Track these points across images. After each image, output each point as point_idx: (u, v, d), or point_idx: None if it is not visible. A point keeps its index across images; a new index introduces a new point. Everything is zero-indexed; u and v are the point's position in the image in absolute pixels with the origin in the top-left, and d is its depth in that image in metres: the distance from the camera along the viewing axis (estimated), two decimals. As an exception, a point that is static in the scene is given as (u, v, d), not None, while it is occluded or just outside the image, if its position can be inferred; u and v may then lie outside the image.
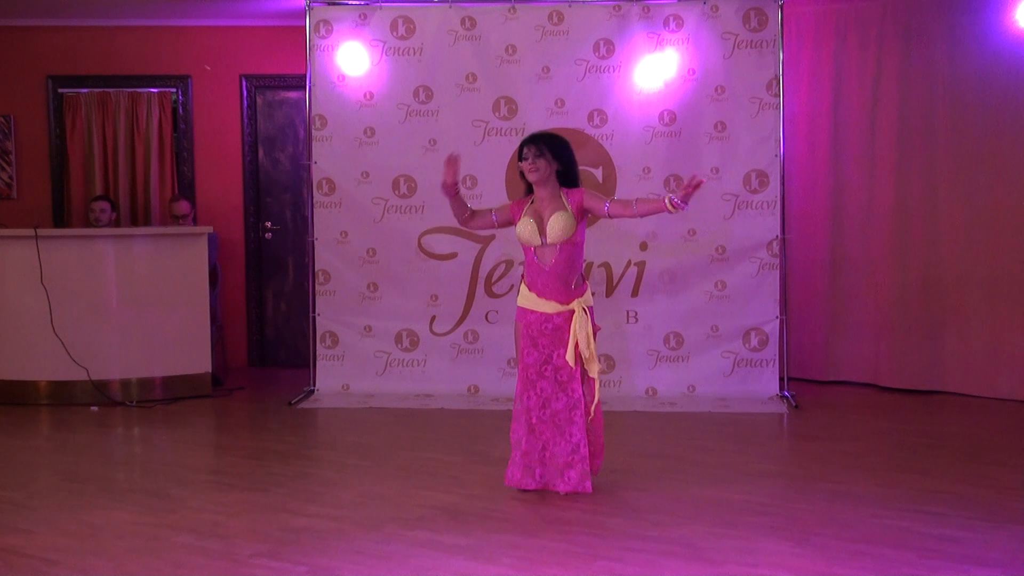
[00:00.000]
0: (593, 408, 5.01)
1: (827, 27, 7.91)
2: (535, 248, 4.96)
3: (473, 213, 5.18)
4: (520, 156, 5.02)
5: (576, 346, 4.92)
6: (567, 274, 4.95)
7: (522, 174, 5.02)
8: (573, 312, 4.94)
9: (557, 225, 4.89)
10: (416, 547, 4.28)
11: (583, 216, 4.99)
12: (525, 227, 4.95)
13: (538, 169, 4.94)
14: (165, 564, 4.12)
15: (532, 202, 5.03)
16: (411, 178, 7.62)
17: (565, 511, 4.77)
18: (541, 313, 4.97)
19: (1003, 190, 7.35)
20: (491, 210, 5.18)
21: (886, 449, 6.08)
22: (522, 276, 5.11)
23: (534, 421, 4.98)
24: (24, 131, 8.91)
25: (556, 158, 4.97)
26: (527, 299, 5.02)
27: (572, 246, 4.94)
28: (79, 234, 7.72)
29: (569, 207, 4.93)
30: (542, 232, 4.92)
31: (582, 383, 4.99)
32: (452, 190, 5.05)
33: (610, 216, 5.00)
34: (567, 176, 5.02)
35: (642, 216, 5.05)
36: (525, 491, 5.02)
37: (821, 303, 8.07)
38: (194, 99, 8.93)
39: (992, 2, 7.34)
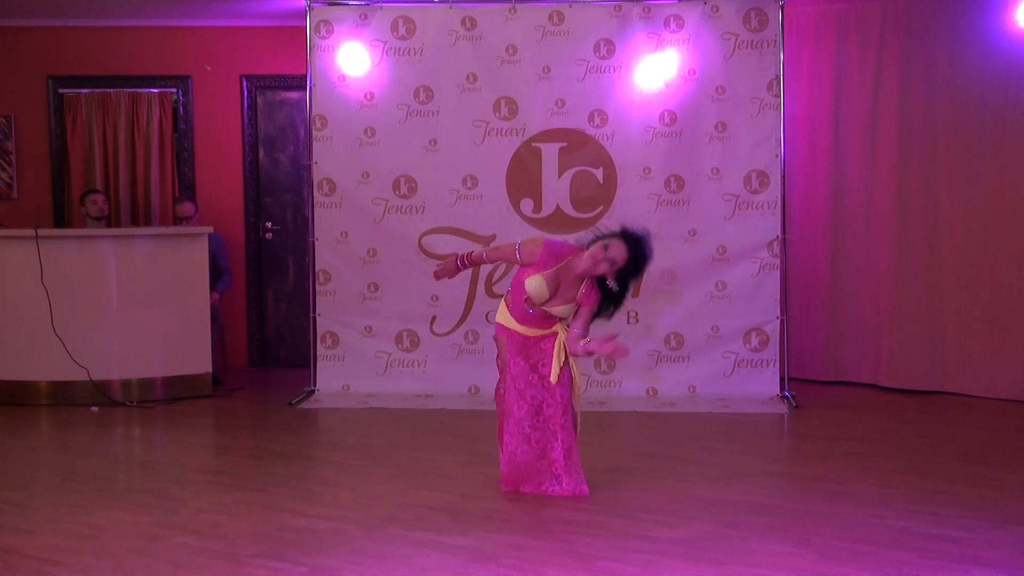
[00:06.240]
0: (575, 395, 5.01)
1: (828, 27, 7.91)
2: (530, 300, 4.86)
3: (494, 250, 5.10)
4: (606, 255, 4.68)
5: (562, 363, 4.92)
6: (551, 317, 4.94)
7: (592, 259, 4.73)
8: (556, 334, 4.94)
9: (561, 313, 4.85)
10: (416, 547, 4.28)
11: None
12: (538, 287, 4.76)
13: (601, 265, 4.69)
14: (165, 564, 4.12)
15: (564, 264, 4.77)
16: (411, 178, 7.62)
17: (565, 511, 4.76)
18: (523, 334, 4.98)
19: (1003, 190, 7.35)
20: (515, 248, 4.88)
21: (886, 449, 6.08)
22: (506, 293, 5.06)
23: (527, 430, 4.96)
24: (24, 131, 8.91)
25: (619, 276, 4.72)
26: (508, 321, 4.99)
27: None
28: (79, 234, 7.72)
29: (581, 303, 4.81)
30: (548, 303, 4.83)
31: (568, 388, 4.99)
32: (463, 262, 5.06)
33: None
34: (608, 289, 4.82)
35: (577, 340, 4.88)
36: (521, 491, 5.03)
37: (821, 303, 8.06)
38: (194, 99, 8.93)
39: (992, 2, 7.34)
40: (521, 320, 4.94)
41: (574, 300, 4.80)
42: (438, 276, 5.23)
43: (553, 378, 4.91)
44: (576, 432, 5.04)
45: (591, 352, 4.77)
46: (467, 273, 7.55)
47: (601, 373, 7.55)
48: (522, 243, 4.89)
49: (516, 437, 4.98)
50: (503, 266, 7.49)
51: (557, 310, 4.83)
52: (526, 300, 4.84)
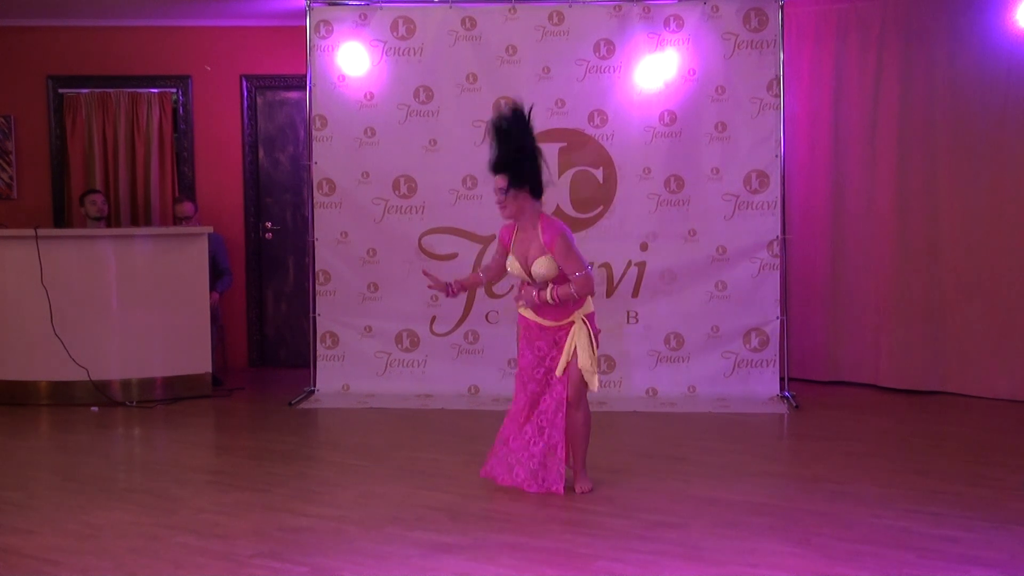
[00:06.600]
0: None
1: (828, 27, 7.91)
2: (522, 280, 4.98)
3: (487, 268, 5.19)
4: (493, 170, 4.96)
5: (573, 356, 4.92)
6: (565, 306, 4.93)
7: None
8: (572, 324, 4.94)
9: (540, 270, 4.86)
10: (416, 547, 4.29)
11: None
12: (512, 266, 4.98)
13: (507, 206, 4.92)
14: (165, 564, 4.12)
15: (517, 229, 4.99)
16: (411, 178, 7.62)
17: (565, 511, 4.77)
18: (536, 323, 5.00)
19: (1003, 190, 7.35)
20: (494, 257, 5.16)
21: (886, 449, 6.08)
22: (520, 288, 5.09)
23: (522, 420, 5.03)
24: (24, 131, 8.91)
25: (522, 184, 4.89)
26: (526, 311, 5.03)
27: (562, 276, 4.89)
28: (79, 234, 7.72)
29: (545, 249, 4.85)
30: (528, 273, 4.91)
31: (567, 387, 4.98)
32: (454, 290, 5.12)
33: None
34: (536, 189, 4.96)
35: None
36: (522, 491, 5.03)
37: (821, 303, 8.06)
38: (194, 99, 8.93)
39: (992, 2, 7.34)
40: (535, 309, 4.96)
41: (544, 253, 4.83)
42: (428, 276, 5.31)
43: (558, 371, 4.93)
44: (585, 432, 5.04)
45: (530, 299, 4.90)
46: (467, 273, 7.49)
47: (601, 373, 7.54)
48: (497, 250, 5.12)
49: (513, 423, 5.06)
50: (503, 266, 7.51)
51: (540, 275, 4.84)
52: (523, 285, 4.97)
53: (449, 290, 5.13)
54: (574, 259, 4.83)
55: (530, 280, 4.93)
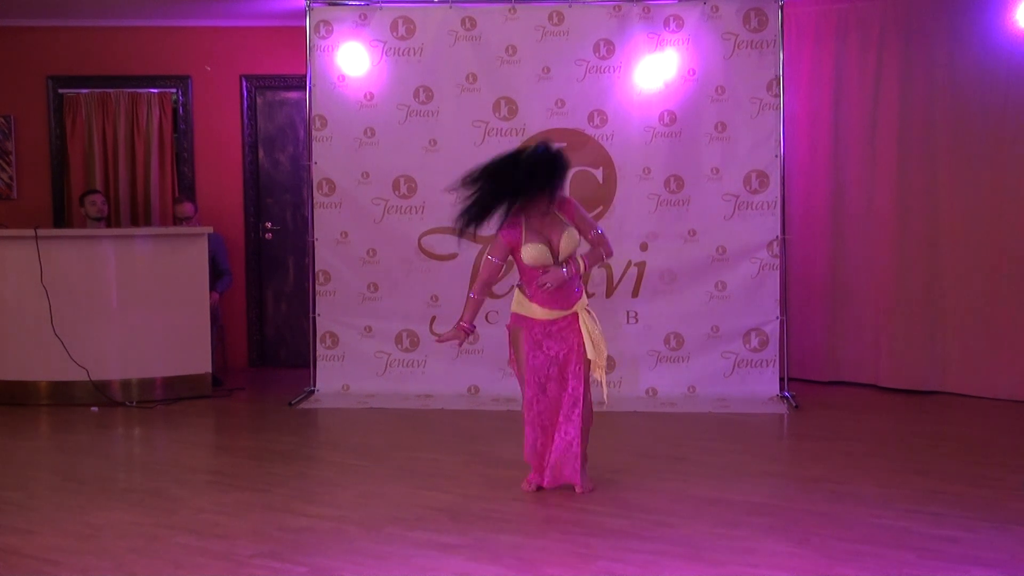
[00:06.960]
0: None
1: (827, 27, 7.91)
2: (543, 267, 4.90)
3: (484, 280, 5.03)
4: (529, 198, 4.84)
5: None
6: (574, 278, 4.96)
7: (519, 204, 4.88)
8: (576, 315, 4.94)
9: (567, 246, 4.87)
10: (416, 547, 4.29)
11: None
12: (536, 251, 4.85)
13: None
14: (165, 564, 4.12)
15: (525, 221, 4.90)
16: (411, 178, 7.62)
17: (565, 511, 4.77)
18: (543, 320, 4.96)
19: (1003, 190, 7.35)
20: (487, 258, 4.99)
21: (886, 449, 6.08)
22: (517, 285, 5.06)
23: (546, 423, 5.00)
24: (24, 131, 8.91)
25: (559, 189, 4.93)
26: (527, 308, 4.97)
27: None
28: (79, 234, 7.72)
29: (566, 221, 4.90)
30: (554, 254, 4.87)
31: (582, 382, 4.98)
32: (467, 329, 5.01)
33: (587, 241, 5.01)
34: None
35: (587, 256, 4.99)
36: (526, 491, 5.04)
37: (821, 303, 8.06)
38: (194, 99, 8.93)
39: (992, 2, 7.34)
40: (544, 301, 4.91)
41: (565, 225, 4.87)
42: (439, 339, 5.24)
43: (589, 353, 4.91)
44: (587, 427, 5.04)
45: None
46: (466, 273, 7.54)
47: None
48: (488, 249, 5.00)
49: (536, 428, 5.00)
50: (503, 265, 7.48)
51: (566, 250, 4.86)
52: (544, 273, 4.86)
53: (463, 332, 5.00)
54: (589, 219, 5.06)
55: (554, 262, 4.87)
